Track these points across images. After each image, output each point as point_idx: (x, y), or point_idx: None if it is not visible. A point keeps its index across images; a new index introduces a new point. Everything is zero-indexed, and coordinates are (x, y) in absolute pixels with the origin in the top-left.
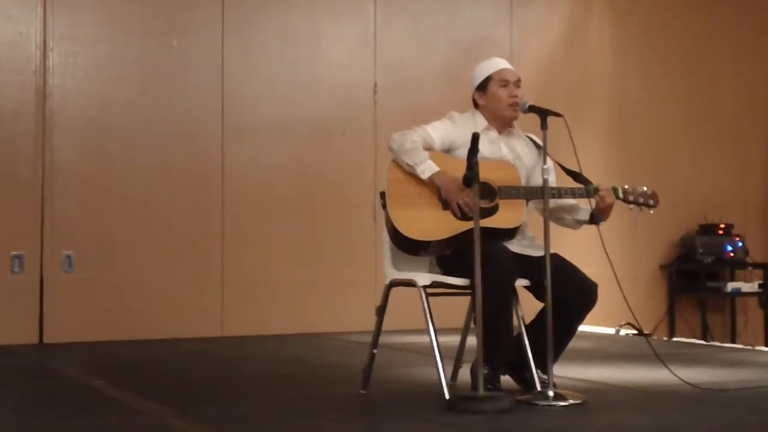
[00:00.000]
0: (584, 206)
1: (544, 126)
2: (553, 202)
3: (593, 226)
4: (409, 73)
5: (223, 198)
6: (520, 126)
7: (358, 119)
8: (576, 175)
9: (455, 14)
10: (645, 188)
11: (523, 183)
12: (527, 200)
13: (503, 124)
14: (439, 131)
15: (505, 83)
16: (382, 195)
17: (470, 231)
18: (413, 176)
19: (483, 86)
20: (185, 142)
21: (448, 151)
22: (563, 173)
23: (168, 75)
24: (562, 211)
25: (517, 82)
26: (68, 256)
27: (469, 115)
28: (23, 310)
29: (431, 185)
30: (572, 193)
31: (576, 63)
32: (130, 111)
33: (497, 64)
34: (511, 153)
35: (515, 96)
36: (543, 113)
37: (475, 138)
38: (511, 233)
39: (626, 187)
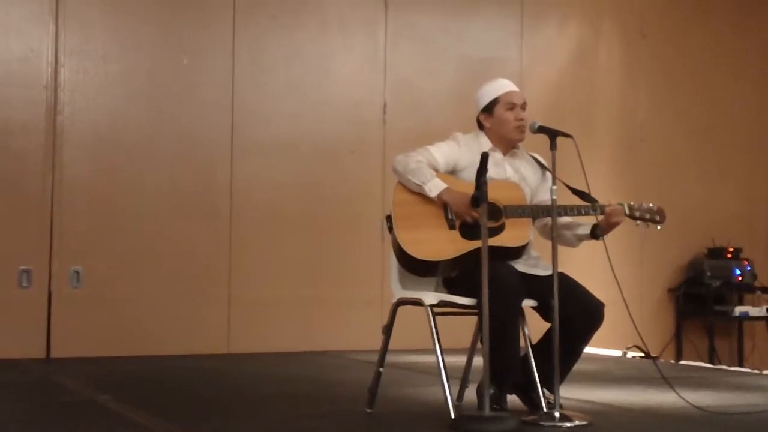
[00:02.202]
0: (584, 222)
1: (553, 146)
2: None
3: (600, 248)
4: (418, 94)
5: (230, 215)
6: (529, 146)
7: (367, 138)
8: (582, 195)
9: (465, 36)
10: (651, 204)
11: (527, 203)
12: (533, 219)
13: (508, 146)
14: (443, 152)
15: (512, 106)
16: (388, 218)
17: (477, 250)
18: (419, 198)
19: (489, 108)
20: (194, 160)
21: (452, 172)
22: (568, 193)
23: (178, 92)
24: (562, 228)
25: (523, 105)
26: (76, 271)
27: (473, 137)
28: (31, 325)
29: (439, 203)
30: (578, 211)
31: (585, 85)
32: (139, 127)
33: (504, 86)
34: (515, 174)
35: (522, 119)
36: (552, 134)
37: (485, 158)
38: (517, 252)
39: (632, 203)
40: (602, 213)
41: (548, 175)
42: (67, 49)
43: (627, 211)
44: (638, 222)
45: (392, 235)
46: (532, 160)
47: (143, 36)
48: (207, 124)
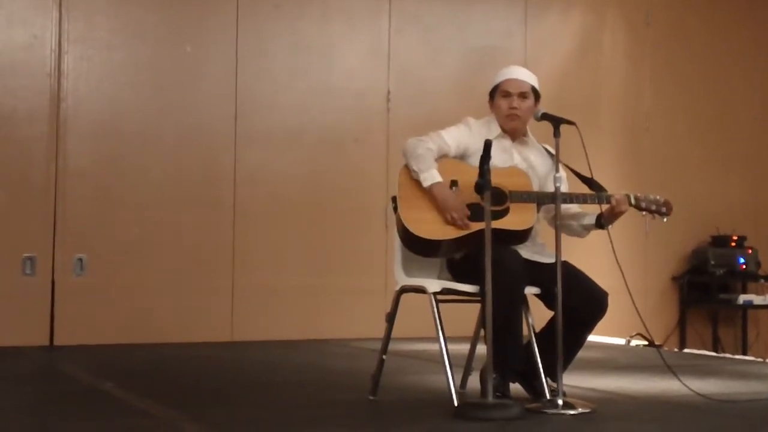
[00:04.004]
0: (591, 211)
1: (556, 134)
2: (562, 208)
3: (604, 237)
4: (422, 82)
5: (234, 204)
6: (535, 135)
7: (371, 127)
8: (590, 182)
9: (469, 24)
10: (658, 196)
11: (534, 190)
12: (538, 205)
13: (515, 133)
14: (453, 136)
15: (506, 94)
16: (394, 199)
17: (479, 232)
18: None
19: (492, 94)
20: (197, 148)
21: (462, 156)
22: (576, 181)
23: (181, 81)
24: (569, 218)
25: (522, 94)
26: (80, 259)
27: (485, 122)
28: (34, 313)
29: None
30: (584, 199)
31: (589, 74)
32: (143, 116)
33: (506, 74)
34: (523, 162)
35: (514, 108)
36: (556, 121)
37: (488, 145)
38: (521, 236)
39: (638, 194)
40: (607, 202)
41: (560, 166)
42: (70, 36)
43: (632, 201)
44: (644, 213)
45: (396, 215)
46: (543, 150)
47: (147, 24)
48: (210, 112)
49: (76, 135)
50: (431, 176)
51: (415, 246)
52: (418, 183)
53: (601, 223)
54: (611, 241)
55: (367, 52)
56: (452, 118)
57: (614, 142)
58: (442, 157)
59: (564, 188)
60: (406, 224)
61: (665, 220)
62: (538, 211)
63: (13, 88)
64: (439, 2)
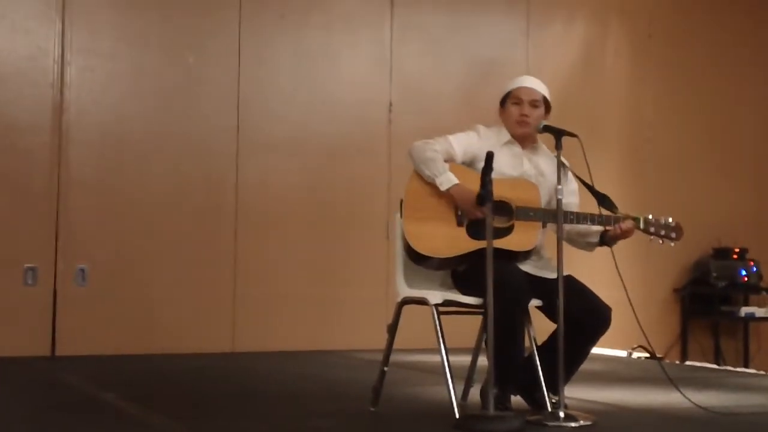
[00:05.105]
0: (596, 228)
1: (558, 146)
2: (569, 225)
3: (607, 250)
4: (424, 93)
5: (236, 214)
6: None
7: (373, 138)
8: (602, 198)
9: (471, 35)
10: (670, 220)
11: (545, 201)
12: (544, 224)
13: (525, 140)
14: (461, 143)
15: (518, 101)
16: (401, 203)
17: (478, 252)
18: (432, 190)
19: (503, 101)
20: (200, 158)
21: (470, 163)
22: (587, 195)
23: (184, 91)
24: (576, 234)
25: (533, 102)
26: (82, 269)
27: (495, 130)
28: (36, 323)
29: (448, 198)
30: (591, 220)
31: (592, 84)
32: (145, 126)
33: (518, 82)
34: (533, 169)
35: (524, 115)
36: (558, 133)
37: (490, 157)
38: (522, 257)
39: (650, 217)
40: (617, 223)
41: (570, 176)
42: (73, 47)
43: (642, 226)
44: (651, 238)
45: (401, 222)
46: (555, 159)
47: (150, 34)
48: (213, 122)
49: (78, 145)
50: (447, 180)
51: (413, 256)
52: (426, 192)
53: (605, 240)
54: (613, 253)
55: (370, 62)
56: (454, 128)
57: (616, 153)
58: (448, 162)
59: (575, 201)
60: (406, 235)
61: (673, 245)
62: (543, 227)
63: (16, 98)
64: (442, 13)
